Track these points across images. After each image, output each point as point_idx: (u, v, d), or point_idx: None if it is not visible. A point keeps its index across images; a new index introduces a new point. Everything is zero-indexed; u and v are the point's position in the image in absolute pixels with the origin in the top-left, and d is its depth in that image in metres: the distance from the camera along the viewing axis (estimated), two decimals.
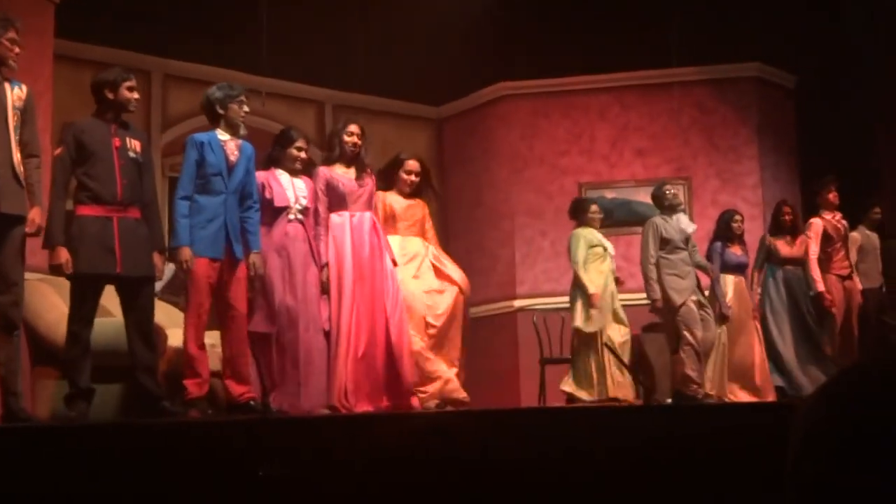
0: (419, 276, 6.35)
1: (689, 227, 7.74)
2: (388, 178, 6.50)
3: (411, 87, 10.60)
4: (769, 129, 10.26)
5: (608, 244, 7.63)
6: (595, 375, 7.33)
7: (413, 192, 6.57)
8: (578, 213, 7.72)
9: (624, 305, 7.73)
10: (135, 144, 5.18)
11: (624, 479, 4.60)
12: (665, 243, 7.49)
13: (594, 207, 7.76)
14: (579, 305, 7.42)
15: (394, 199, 6.47)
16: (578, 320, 7.38)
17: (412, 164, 6.53)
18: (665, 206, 7.73)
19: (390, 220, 6.40)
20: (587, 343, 7.39)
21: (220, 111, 5.56)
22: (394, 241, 6.31)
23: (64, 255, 4.88)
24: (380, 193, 6.41)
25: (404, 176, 6.47)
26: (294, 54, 9.41)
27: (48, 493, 3.54)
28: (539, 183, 10.17)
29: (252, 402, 5.36)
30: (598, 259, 7.48)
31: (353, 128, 6.12)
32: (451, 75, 10.52)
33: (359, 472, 3.98)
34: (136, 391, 5.19)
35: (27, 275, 5.15)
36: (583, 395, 7.34)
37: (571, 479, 4.41)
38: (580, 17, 9.98)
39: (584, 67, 10.21)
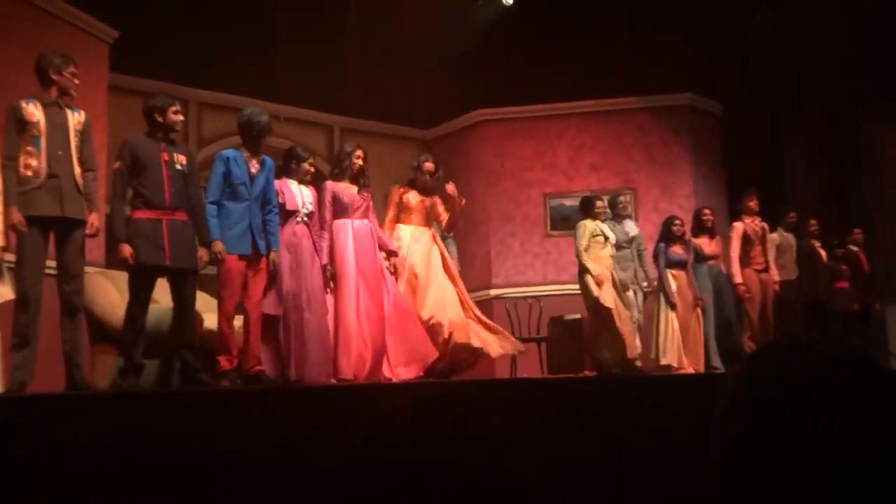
0: (429, 265, 6.36)
1: (633, 231, 7.80)
2: (410, 177, 6.48)
3: (403, 113, 10.60)
4: (700, 148, 10.27)
5: (610, 234, 7.47)
6: (616, 341, 7.20)
7: (427, 190, 6.54)
8: (587, 208, 7.53)
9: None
10: (181, 158, 5.13)
11: (591, 437, 4.64)
12: None
13: (600, 203, 7.59)
14: (588, 286, 7.30)
15: (411, 195, 6.44)
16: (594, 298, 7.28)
17: (428, 165, 6.54)
18: (615, 214, 7.80)
19: (406, 212, 6.40)
20: (603, 317, 7.23)
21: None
22: (407, 229, 6.33)
23: (127, 249, 4.86)
24: (398, 189, 6.43)
25: (420, 175, 6.46)
26: (307, 86, 9.42)
27: (105, 448, 3.55)
28: (510, 194, 10.18)
29: (260, 373, 5.34)
30: (598, 246, 7.33)
31: (360, 152, 6.13)
32: (436, 104, 10.56)
33: (355, 436, 4.01)
34: (180, 365, 5.19)
35: (86, 268, 5.14)
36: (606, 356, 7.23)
37: (546, 439, 4.44)
38: (541, 56, 10.03)
39: (545, 97, 10.20)
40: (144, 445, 3.64)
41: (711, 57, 10.37)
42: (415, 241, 6.35)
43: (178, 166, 5.09)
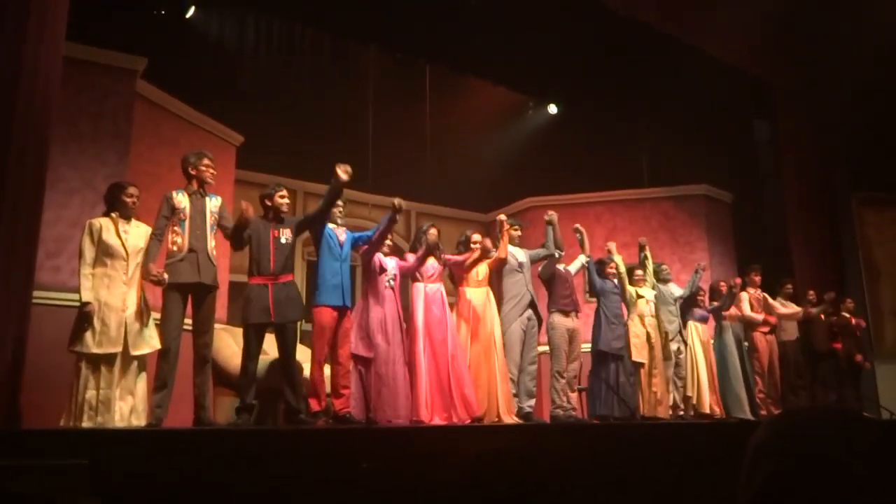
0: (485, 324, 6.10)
1: (677, 292, 7.61)
2: (464, 248, 6.30)
3: (469, 200, 10.69)
4: (714, 230, 10.15)
5: (648, 294, 7.25)
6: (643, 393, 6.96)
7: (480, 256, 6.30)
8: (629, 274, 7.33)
9: None
10: (286, 233, 5.18)
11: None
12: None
13: (638, 272, 7.36)
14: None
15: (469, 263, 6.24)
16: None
17: (476, 237, 6.36)
18: (660, 279, 7.60)
19: (464, 279, 6.20)
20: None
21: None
22: (468, 291, 6.15)
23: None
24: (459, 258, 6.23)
25: (472, 245, 6.27)
26: (391, 177, 9.55)
27: (224, 474, 3.56)
28: None
29: (348, 414, 5.24)
30: (635, 307, 7.18)
31: (434, 230, 6.11)
32: (494, 192, 10.62)
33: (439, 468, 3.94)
34: (283, 406, 5.13)
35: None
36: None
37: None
38: (581, 154, 10.11)
39: (585, 187, 10.22)
40: (254, 472, 3.65)
41: (722, 154, 10.34)
42: (473, 301, 6.14)
43: (284, 240, 5.15)
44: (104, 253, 4.63)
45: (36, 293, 4.58)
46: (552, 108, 10.78)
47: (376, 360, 5.50)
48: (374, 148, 8.77)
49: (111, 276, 4.60)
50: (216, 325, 5.69)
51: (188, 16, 8.05)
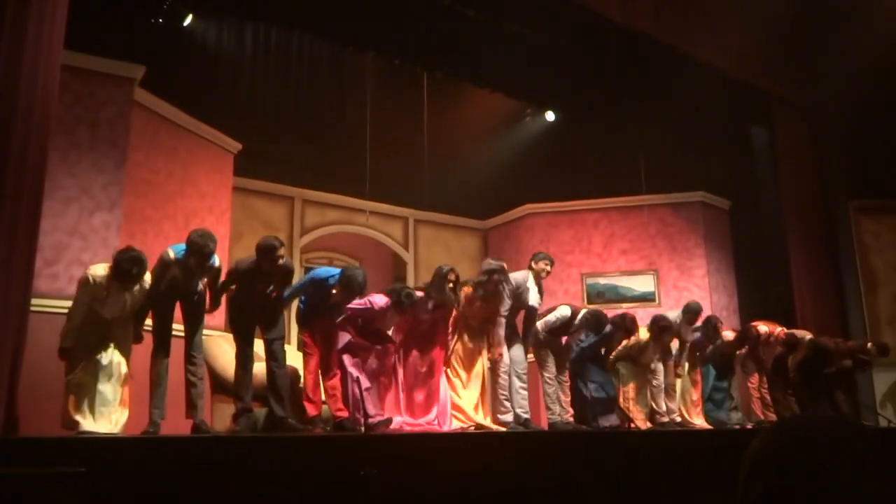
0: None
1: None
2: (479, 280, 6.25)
3: (466, 207, 10.72)
4: (712, 236, 10.16)
5: None
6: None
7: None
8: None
9: None
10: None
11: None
12: None
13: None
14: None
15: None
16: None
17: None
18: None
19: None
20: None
21: None
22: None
23: None
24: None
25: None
26: (388, 185, 9.58)
27: (222, 481, 3.59)
28: (553, 273, 10.03)
29: (345, 421, 5.19)
30: None
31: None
32: (492, 199, 10.68)
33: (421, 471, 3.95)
34: (267, 412, 5.17)
35: (209, 332, 5.25)
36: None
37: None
38: (578, 160, 10.15)
39: (583, 193, 10.26)
40: (251, 479, 3.68)
41: (720, 161, 10.37)
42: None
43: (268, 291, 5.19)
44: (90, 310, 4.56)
45: (33, 301, 4.60)
46: (549, 115, 10.83)
47: (372, 357, 5.50)
48: (372, 155, 8.80)
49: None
50: (213, 332, 5.74)
51: (186, 24, 8.10)
